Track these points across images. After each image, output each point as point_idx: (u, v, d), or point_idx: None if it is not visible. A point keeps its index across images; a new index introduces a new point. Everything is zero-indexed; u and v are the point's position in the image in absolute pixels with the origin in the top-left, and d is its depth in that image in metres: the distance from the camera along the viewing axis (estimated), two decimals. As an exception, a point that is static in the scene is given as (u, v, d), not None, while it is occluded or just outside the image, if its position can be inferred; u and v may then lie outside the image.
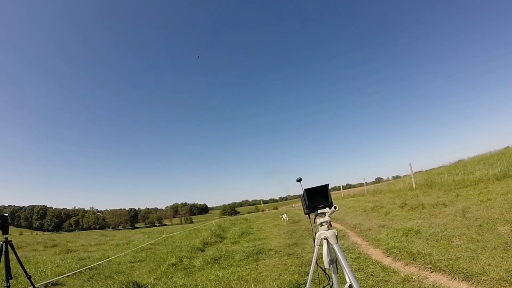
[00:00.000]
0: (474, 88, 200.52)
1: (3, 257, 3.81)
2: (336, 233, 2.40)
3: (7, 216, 4.01)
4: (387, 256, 5.27)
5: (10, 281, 3.85)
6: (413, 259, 4.65)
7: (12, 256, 3.92)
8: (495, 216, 5.85)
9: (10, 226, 4.04)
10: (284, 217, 16.44)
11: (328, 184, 2.44)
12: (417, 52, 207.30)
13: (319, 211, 2.48)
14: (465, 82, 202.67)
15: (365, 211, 11.79)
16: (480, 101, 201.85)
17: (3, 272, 3.88)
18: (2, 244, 3.82)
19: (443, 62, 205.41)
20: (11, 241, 4.00)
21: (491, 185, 9.94)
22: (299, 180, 2.59)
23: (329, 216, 2.44)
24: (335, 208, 2.38)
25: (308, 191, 2.46)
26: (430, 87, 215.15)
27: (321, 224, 2.46)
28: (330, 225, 2.47)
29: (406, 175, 24.70)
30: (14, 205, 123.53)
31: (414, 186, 15.45)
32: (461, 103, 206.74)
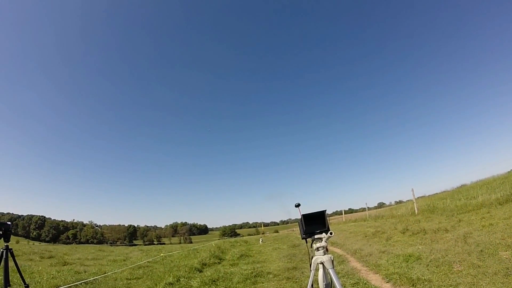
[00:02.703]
0: (478, 112, 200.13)
1: (3, 263, 3.85)
2: (332, 258, 2.48)
3: (9, 225, 4.07)
4: (387, 282, 5.23)
5: None
6: (413, 285, 4.64)
7: (11, 264, 3.96)
8: (497, 241, 5.80)
9: (7, 234, 4.06)
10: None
11: (326, 210, 2.56)
12: (419, 77, 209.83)
13: (316, 236, 2.58)
14: (468, 106, 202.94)
15: (366, 236, 11.66)
16: (483, 125, 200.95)
17: (1, 278, 3.92)
18: (2, 252, 3.88)
19: (446, 86, 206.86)
20: (11, 249, 4.05)
21: (493, 209, 9.81)
22: (298, 205, 2.70)
23: (325, 242, 2.53)
24: (331, 234, 2.48)
25: (305, 217, 2.57)
26: (432, 112, 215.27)
27: (317, 249, 2.54)
28: (327, 250, 2.56)
29: (408, 200, 24.42)
30: (12, 213, 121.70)
31: (416, 211, 15.25)
32: (464, 128, 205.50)
